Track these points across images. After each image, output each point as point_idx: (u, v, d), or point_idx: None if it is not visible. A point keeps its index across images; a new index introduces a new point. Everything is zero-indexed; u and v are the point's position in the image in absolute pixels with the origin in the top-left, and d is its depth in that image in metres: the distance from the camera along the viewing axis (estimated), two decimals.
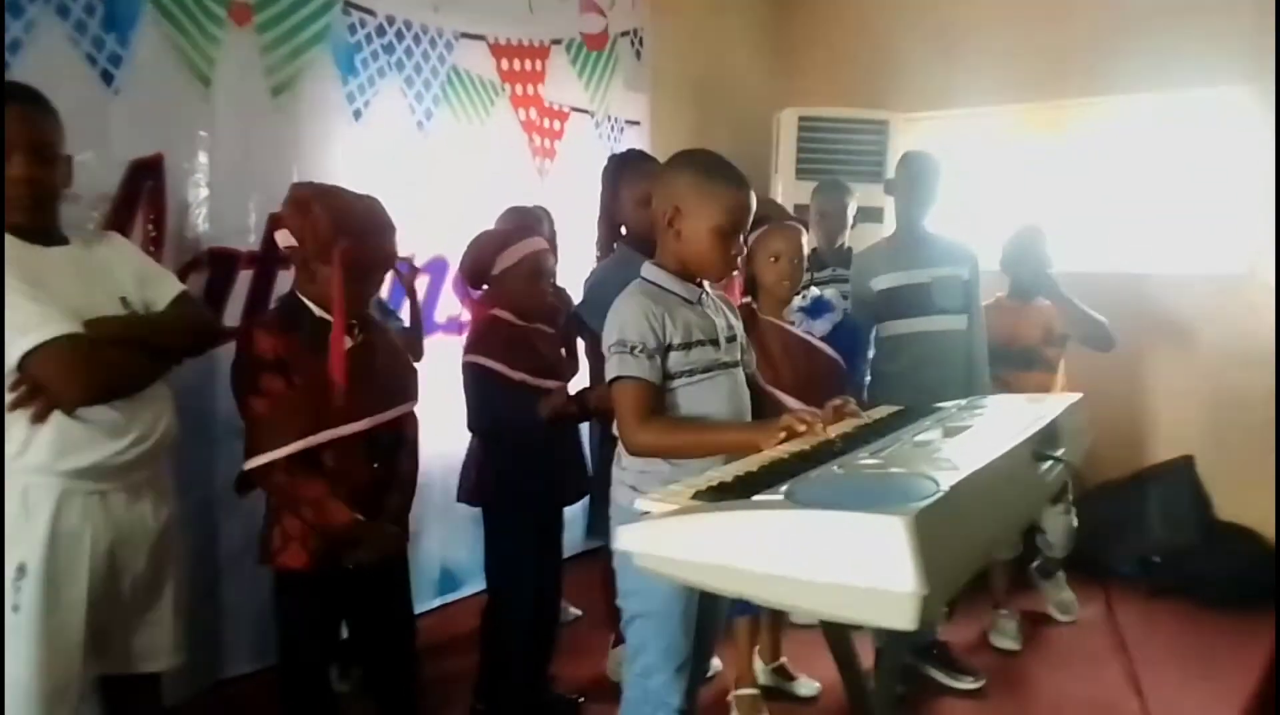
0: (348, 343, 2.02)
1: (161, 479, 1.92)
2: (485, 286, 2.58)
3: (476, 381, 2.45)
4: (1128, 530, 3.91)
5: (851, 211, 3.70)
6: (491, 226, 2.76)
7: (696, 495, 1.29)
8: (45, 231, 1.78)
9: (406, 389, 2.22)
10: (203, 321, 2.01)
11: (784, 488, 1.19)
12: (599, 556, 3.02)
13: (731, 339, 1.92)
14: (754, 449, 1.61)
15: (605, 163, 2.83)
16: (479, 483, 2.59)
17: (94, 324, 1.71)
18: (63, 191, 1.82)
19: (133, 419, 1.78)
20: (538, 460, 2.51)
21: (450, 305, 3.33)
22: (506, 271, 2.48)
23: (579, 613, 3.32)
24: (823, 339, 2.67)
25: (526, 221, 2.80)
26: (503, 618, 2.60)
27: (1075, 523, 3.45)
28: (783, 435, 1.62)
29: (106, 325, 1.74)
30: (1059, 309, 3.31)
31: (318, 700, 2.19)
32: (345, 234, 1.98)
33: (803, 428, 1.61)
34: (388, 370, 2.15)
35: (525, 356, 2.47)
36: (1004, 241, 3.46)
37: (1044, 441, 1.51)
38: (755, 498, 1.20)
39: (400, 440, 2.19)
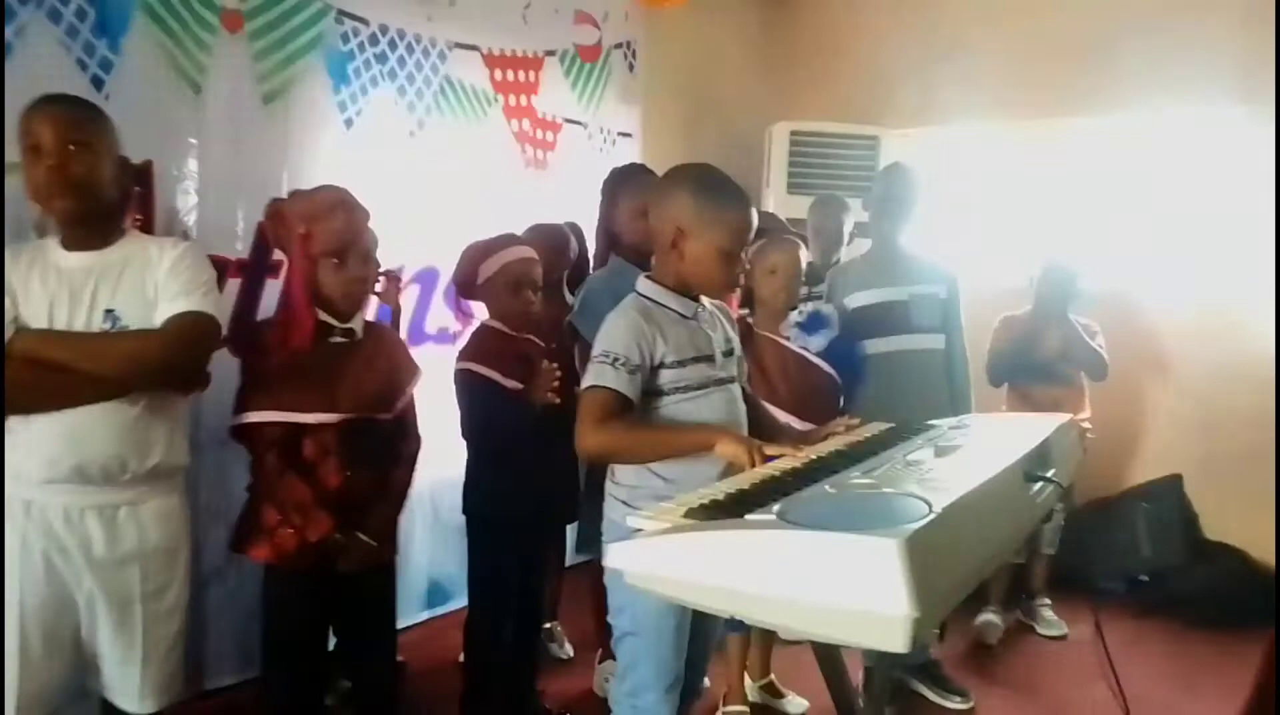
0: (338, 338, 2.09)
1: (135, 513, 1.82)
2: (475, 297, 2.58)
3: (468, 388, 2.44)
4: (1115, 548, 3.91)
5: (848, 228, 3.70)
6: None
7: (689, 513, 1.29)
8: (82, 233, 1.80)
9: (392, 397, 2.20)
10: (157, 356, 1.78)
11: (776, 507, 1.18)
12: (586, 571, 3.00)
13: (729, 353, 1.91)
14: (708, 448, 1.65)
15: (605, 175, 2.83)
16: (464, 491, 2.58)
17: (16, 338, 1.71)
18: (101, 194, 1.81)
19: (58, 439, 1.72)
20: (526, 473, 2.49)
21: (441, 316, 3.32)
22: (488, 281, 2.49)
23: (571, 654, 3.28)
24: (818, 355, 2.66)
25: (540, 234, 2.81)
26: (480, 631, 2.58)
27: (1060, 521, 3.57)
28: (739, 450, 1.62)
29: (23, 340, 1.71)
30: (1064, 335, 3.44)
31: (301, 704, 2.17)
32: (304, 221, 2.05)
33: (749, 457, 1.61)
34: (377, 374, 2.15)
35: (518, 366, 2.46)
36: (1041, 263, 3.53)
37: (1035, 462, 1.51)
38: (748, 517, 1.19)
39: (394, 451, 2.20)
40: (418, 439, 2.29)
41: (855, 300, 2.94)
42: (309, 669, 2.18)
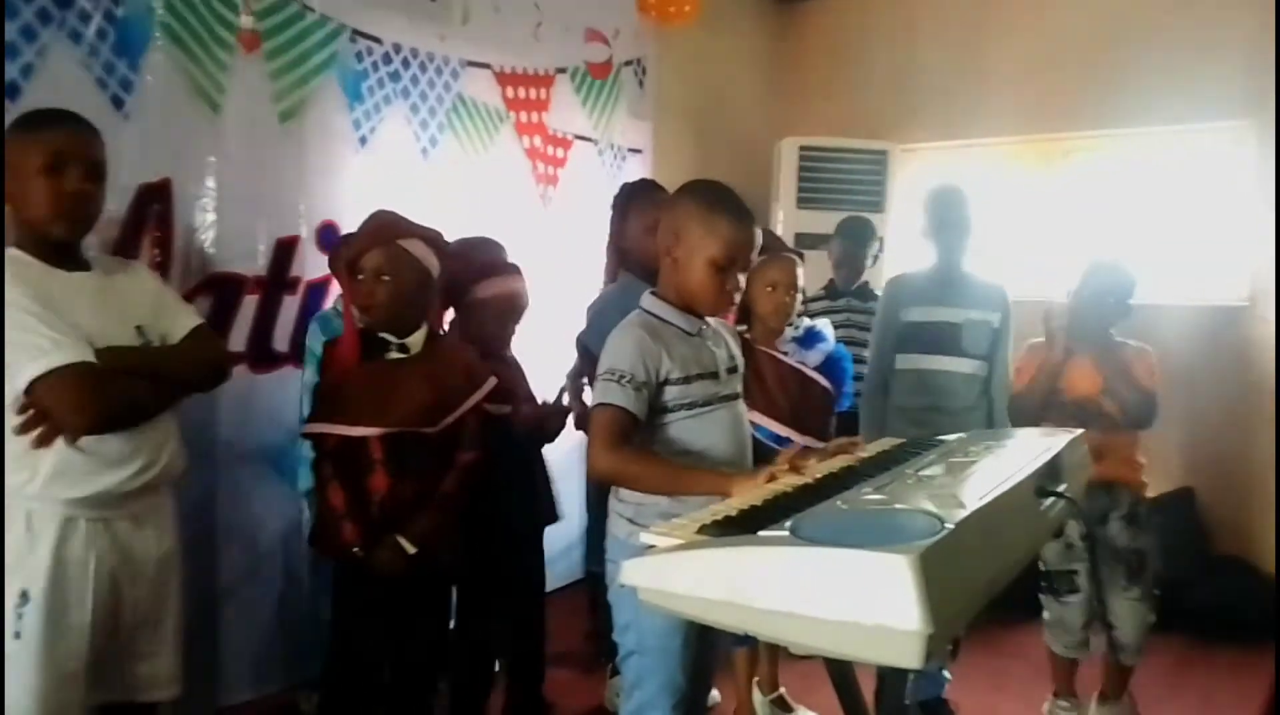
0: (395, 354, 2.19)
1: (165, 508, 1.91)
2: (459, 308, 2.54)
3: None
4: None
5: (873, 249, 3.73)
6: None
7: (701, 529, 1.29)
8: (67, 255, 1.78)
9: (443, 411, 2.21)
10: (215, 357, 2.02)
11: (789, 523, 1.19)
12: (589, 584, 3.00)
13: (733, 370, 1.91)
14: (723, 495, 1.54)
15: (615, 191, 2.85)
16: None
17: (106, 353, 1.71)
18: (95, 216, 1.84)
19: (137, 449, 1.77)
20: (499, 489, 2.48)
21: None
22: (480, 302, 2.47)
23: None
24: (815, 369, 2.67)
25: (499, 254, 2.71)
26: (474, 649, 2.55)
27: (1152, 618, 2.72)
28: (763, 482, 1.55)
29: (119, 355, 1.74)
30: (1101, 366, 2.68)
31: (351, 705, 2.24)
32: (347, 243, 2.24)
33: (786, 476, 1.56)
34: (430, 389, 2.18)
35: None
36: (1082, 270, 2.79)
37: (1047, 477, 1.51)
38: (761, 533, 1.19)
39: (446, 463, 2.23)
40: (477, 450, 2.28)
41: (911, 314, 2.96)
42: (363, 671, 2.23)
